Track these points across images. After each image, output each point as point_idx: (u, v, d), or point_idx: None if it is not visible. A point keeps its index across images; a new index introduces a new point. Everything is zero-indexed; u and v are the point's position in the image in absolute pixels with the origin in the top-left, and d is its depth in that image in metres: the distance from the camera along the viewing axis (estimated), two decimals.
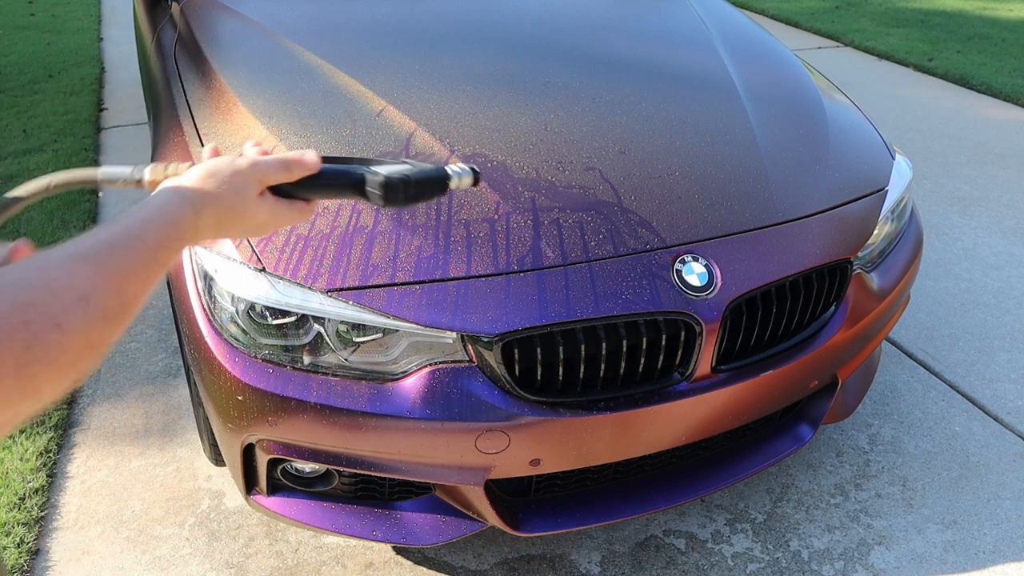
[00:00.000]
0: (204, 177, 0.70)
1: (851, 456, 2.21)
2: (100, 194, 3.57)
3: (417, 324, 1.44)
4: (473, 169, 0.84)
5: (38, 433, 2.18)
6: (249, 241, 1.53)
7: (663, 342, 1.53)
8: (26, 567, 1.83)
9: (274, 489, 1.66)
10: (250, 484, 1.66)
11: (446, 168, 0.81)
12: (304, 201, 0.78)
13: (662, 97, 2.03)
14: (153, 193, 0.67)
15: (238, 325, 1.50)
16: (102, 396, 2.37)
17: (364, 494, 1.69)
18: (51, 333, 0.45)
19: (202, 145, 1.79)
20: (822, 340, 1.72)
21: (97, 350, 0.50)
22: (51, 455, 2.13)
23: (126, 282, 0.54)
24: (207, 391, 1.58)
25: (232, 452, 1.60)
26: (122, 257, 0.55)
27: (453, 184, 0.81)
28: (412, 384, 1.47)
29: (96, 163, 3.99)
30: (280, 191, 0.76)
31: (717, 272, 1.58)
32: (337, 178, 0.78)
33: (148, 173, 0.76)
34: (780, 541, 1.95)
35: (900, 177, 2.01)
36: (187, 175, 0.71)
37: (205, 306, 1.56)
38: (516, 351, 1.47)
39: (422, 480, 1.57)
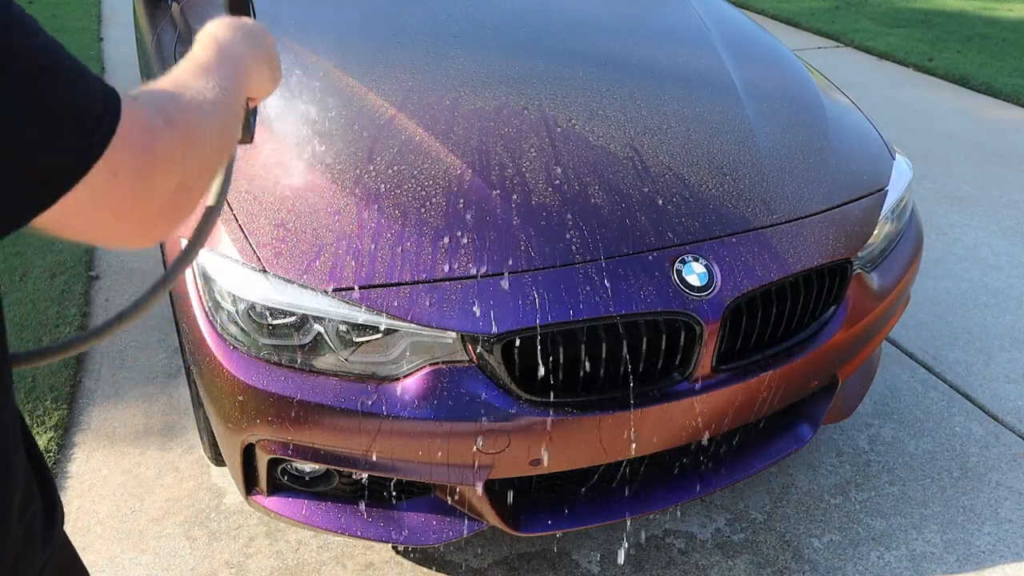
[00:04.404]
0: (260, 42, 0.81)
1: (851, 456, 2.21)
2: None
3: (417, 324, 1.44)
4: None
5: (38, 433, 2.18)
6: (249, 241, 1.53)
7: (663, 342, 1.53)
8: None
9: (274, 489, 1.66)
10: (250, 484, 1.66)
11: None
12: None
13: (662, 97, 2.03)
14: (234, 47, 0.76)
15: (238, 325, 1.50)
16: (102, 396, 2.37)
17: (364, 494, 1.69)
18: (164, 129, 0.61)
19: None
20: (822, 340, 1.72)
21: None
22: (51, 455, 2.13)
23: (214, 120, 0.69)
24: (207, 391, 1.58)
25: (232, 452, 1.60)
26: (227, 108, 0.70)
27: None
28: (412, 384, 1.47)
29: None
30: None
31: (717, 272, 1.58)
32: None
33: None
34: (780, 541, 1.95)
35: (900, 177, 2.01)
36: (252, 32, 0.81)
37: (205, 306, 1.56)
38: (516, 351, 1.47)
39: (422, 480, 1.57)
